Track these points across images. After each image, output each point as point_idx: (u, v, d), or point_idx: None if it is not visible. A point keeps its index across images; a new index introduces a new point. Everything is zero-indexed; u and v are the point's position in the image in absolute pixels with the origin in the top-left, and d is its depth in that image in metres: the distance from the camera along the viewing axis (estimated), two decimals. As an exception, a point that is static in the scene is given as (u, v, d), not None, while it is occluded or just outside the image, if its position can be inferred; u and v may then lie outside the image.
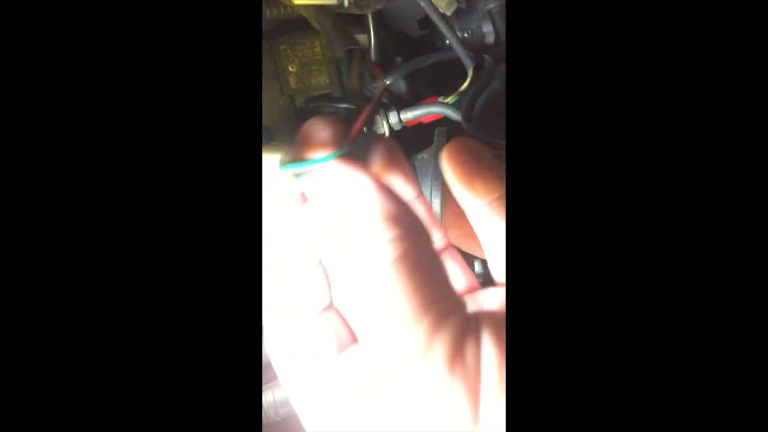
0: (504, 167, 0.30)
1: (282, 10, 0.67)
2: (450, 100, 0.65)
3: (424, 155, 0.66)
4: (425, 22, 0.73)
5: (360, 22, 0.68)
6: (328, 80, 0.72)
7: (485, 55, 0.67)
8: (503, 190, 0.29)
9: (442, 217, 0.63)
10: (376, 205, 0.22)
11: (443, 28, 0.64)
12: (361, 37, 0.69)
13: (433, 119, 0.67)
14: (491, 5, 0.69)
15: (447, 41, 0.66)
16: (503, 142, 0.63)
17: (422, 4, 0.63)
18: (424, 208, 0.32)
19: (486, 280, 0.79)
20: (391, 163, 0.31)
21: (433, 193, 0.62)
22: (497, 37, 0.71)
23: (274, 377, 0.27)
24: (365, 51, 0.32)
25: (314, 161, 0.25)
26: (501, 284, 0.31)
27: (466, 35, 0.71)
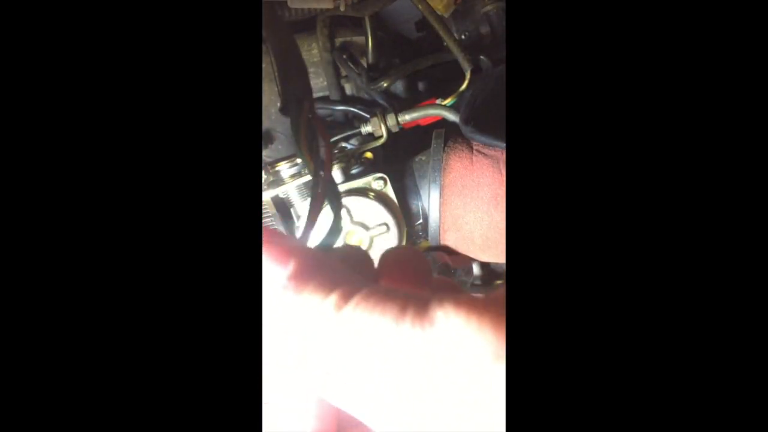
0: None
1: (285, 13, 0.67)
2: (448, 102, 0.65)
3: (422, 157, 0.66)
4: (423, 24, 0.73)
5: (358, 24, 0.68)
6: (325, 82, 0.73)
7: (483, 57, 0.67)
8: None
9: (440, 219, 0.63)
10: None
11: (441, 31, 0.64)
12: (359, 40, 0.69)
13: (431, 121, 0.67)
14: (489, 7, 0.69)
15: (445, 43, 0.66)
16: (502, 144, 0.63)
17: (419, 6, 0.63)
18: None
19: (484, 282, 0.79)
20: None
21: (431, 195, 0.62)
22: (495, 38, 0.71)
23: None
24: (313, 106, 0.32)
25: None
26: None
27: (463, 37, 0.71)
